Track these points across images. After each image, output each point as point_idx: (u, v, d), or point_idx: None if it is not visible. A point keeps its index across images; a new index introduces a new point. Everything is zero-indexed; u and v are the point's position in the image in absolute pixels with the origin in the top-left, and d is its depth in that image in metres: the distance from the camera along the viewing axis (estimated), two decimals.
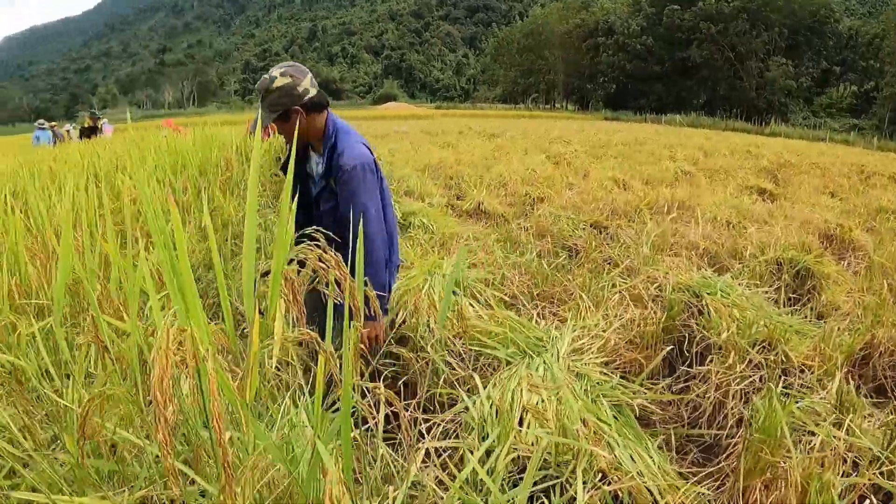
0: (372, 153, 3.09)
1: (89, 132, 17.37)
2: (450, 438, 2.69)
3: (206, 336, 1.43)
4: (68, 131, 21.94)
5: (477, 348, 3.41)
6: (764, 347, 3.55)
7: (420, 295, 4.04)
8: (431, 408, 3.06)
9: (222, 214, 5.23)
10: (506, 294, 4.75)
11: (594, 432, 2.58)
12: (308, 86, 2.94)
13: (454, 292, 4.24)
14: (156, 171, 5.23)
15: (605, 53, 73.82)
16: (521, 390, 2.78)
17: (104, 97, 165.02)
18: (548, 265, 5.48)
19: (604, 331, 3.61)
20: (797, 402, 2.90)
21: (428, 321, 3.74)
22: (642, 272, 4.81)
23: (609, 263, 5.73)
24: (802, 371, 3.46)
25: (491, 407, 2.69)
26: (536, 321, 4.02)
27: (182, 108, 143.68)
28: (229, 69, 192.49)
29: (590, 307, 4.15)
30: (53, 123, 21.59)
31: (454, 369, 3.31)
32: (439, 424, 2.72)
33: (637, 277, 4.73)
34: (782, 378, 3.36)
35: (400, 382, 3.49)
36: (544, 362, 3.11)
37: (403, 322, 3.92)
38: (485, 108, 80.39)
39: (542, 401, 2.72)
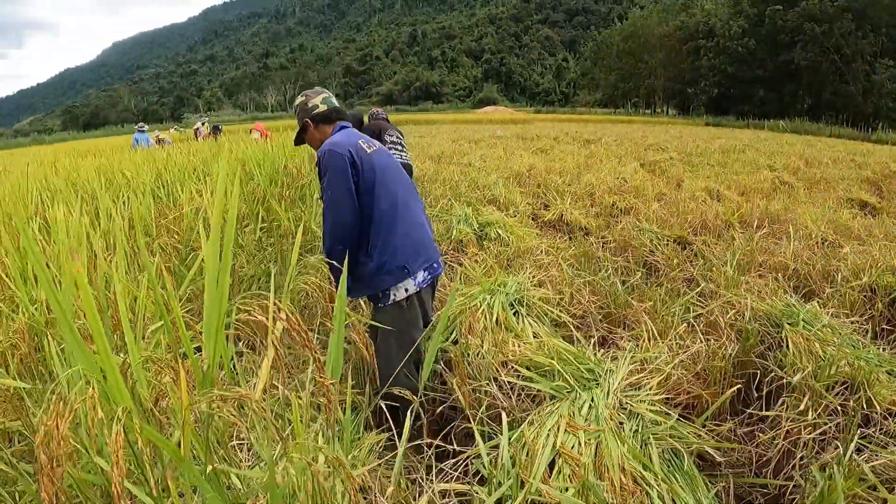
0: (358, 151, 3.38)
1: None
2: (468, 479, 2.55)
3: (120, 394, 1.34)
4: (197, 129, 22.71)
5: (519, 381, 3.23)
6: (845, 388, 3.22)
7: (476, 315, 3.90)
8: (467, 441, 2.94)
9: (279, 227, 5.40)
10: (574, 315, 4.55)
11: (635, 481, 2.39)
12: (318, 102, 3.72)
13: (516, 312, 4.11)
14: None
15: (705, 56, 71.18)
16: (559, 430, 2.61)
17: (209, 100, 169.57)
18: (622, 284, 5.19)
19: (667, 363, 3.31)
20: (869, 461, 2.62)
21: (481, 344, 3.61)
22: (721, 296, 4.50)
23: (691, 283, 5.43)
24: (887, 418, 3.09)
25: (511, 451, 2.53)
26: (597, 348, 3.77)
27: (284, 111, 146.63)
28: (330, 73, 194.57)
29: (654, 335, 3.84)
30: (153, 130, 22.33)
31: (497, 400, 3.17)
32: (459, 463, 2.59)
33: (715, 302, 4.42)
34: (862, 427, 3.03)
35: (445, 407, 3.42)
36: (592, 399, 2.91)
37: (456, 342, 3.82)
38: (584, 113, 79.41)
39: (580, 444, 2.54)
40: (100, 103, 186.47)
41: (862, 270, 5.20)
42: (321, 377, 1.79)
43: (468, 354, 3.61)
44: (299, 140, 3.87)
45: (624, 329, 4.51)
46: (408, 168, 7.89)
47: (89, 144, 30.60)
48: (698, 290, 4.94)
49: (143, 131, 19.27)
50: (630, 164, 14.63)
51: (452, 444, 2.58)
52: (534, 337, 3.78)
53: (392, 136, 7.90)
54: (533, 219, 8.74)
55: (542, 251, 6.25)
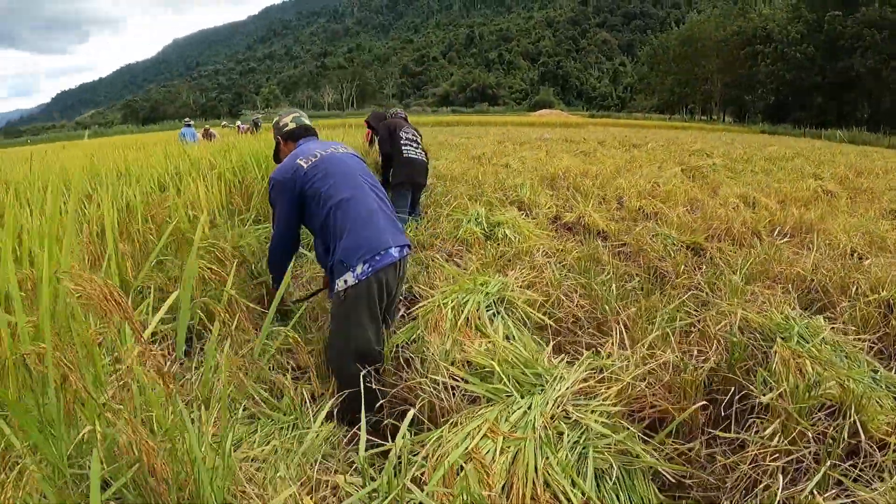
0: (296, 169, 3.69)
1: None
2: None
3: None
4: (238, 125, 23.01)
5: (457, 382, 3.03)
6: (833, 412, 2.87)
7: (444, 313, 3.71)
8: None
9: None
10: (559, 319, 4.29)
11: (555, 496, 2.16)
12: (288, 121, 4.20)
13: (496, 313, 3.89)
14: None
15: (763, 62, 69.26)
16: (478, 434, 2.42)
17: (267, 97, 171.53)
18: (617, 289, 4.87)
19: (627, 372, 3.01)
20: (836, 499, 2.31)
21: (442, 343, 3.39)
22: (716, 305, 4.17)
23: (696, 290, 5.13)
24: (881, 448, 2.70)
25: (424, 451, 2.43)
26: (563, 354, 3.48)
27: (341, 110, 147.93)
28: (387, 73, 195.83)
29: (624, 343, 3.53)
30: (206, 125, 22.90)
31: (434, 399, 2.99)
32: None
33: (708, 311, 4.10)
34: (847, 459, 2.67)
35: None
36: (530, 405, 2.66)
37: (414, 341, 3.70)
38: (639, 119, 78.54)
39: (496, 451, 2.32)
40: (159, 98, 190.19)
41: (882, 285, 4.77)
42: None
43: (422, 352, 3.44)
44: (276, 157, 4.33)
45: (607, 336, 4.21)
46: (423, 164, 8.04)
47: (142, 138, 31.19)
48: (690, 297, 4.65)
49: (189, 125, 19.89)
50: (670, 168, 14.25)
51: (388, 440, 2.39)
52: (506, 339, 3.54)
53: (407, 133, 7.88)
54: (554, 220, 8.47)
55: (542, 252, 5.97)
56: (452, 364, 3.14)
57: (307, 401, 3.07)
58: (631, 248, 6.90)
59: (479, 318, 3.76)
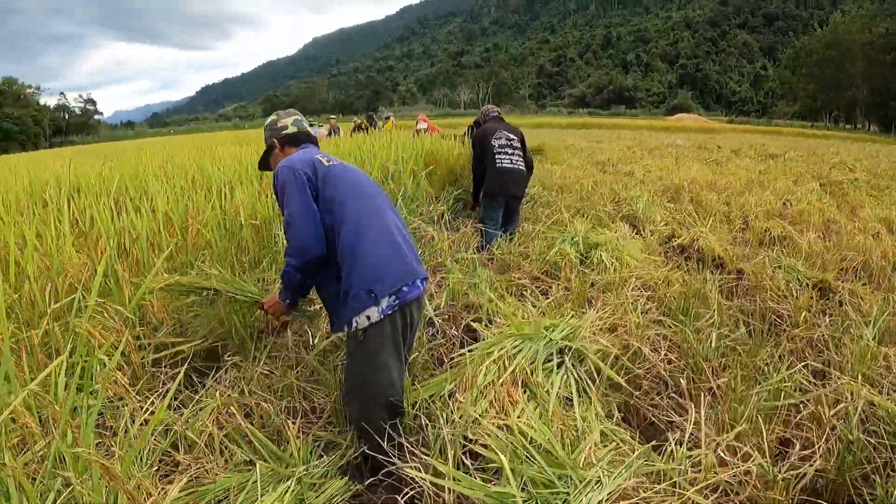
0: (316, 165, 3.20)
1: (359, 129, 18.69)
2: None
3: None
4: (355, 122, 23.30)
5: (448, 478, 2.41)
6: None
7: (484, 366, 3.14)
8: None
9: None
10: (637, 377, 3.62)
11: None
12: (288, 123, 3.62)
13: (560, 365, 3.26)
14: None
15: None
16: None
17: (404, 95, 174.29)
18: (718, 339, 4.06)
19: (691, 482, 2.28)
20: None
21: (472, 404, 2.87)
22: (835, 377, 3.31)
23: (817, 347, 4.25)
24: None
25: None
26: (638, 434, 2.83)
27: (477, 108, 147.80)
28: (523, 73, 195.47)
29: (706, 422, 2.72)
30: (332, 118, 23.25)
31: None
32: None
33: (827, 383, 3.26)
34: None
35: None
36: None
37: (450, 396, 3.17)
38: (779, 125, 75.00)
39: None
40: (299, 94, 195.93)
41: None
42: None
43: (442, 416, 2.88)
44: (263, 164, 3.75)
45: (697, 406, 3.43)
46: (520, 173, 7.27)
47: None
48: (806, 356, 3.81)
49: (312, 125, 19.96)
50: (807, 183, 12.99)
51: None
52: (566, 403, 2.97)
53: (500, 139, 7.10)
54: (667, 240, 7.63)
55: (639, 284, 5.20)
56: (469, 441, 2.63)
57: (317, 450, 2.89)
58: (748, 280, 5.99)
59: (532, 374, 3.13)
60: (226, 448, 2.96)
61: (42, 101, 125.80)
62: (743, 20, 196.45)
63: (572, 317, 3.84)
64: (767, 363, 3.78)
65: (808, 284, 5.71)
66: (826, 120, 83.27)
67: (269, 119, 3.70)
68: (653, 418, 3.29)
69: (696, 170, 14.51)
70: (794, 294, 5.38)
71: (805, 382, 3.40)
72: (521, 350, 3.30)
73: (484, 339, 3.67)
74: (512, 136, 7.24)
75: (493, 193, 7.18)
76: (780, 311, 5.09)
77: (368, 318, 2.95)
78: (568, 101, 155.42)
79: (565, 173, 12.76)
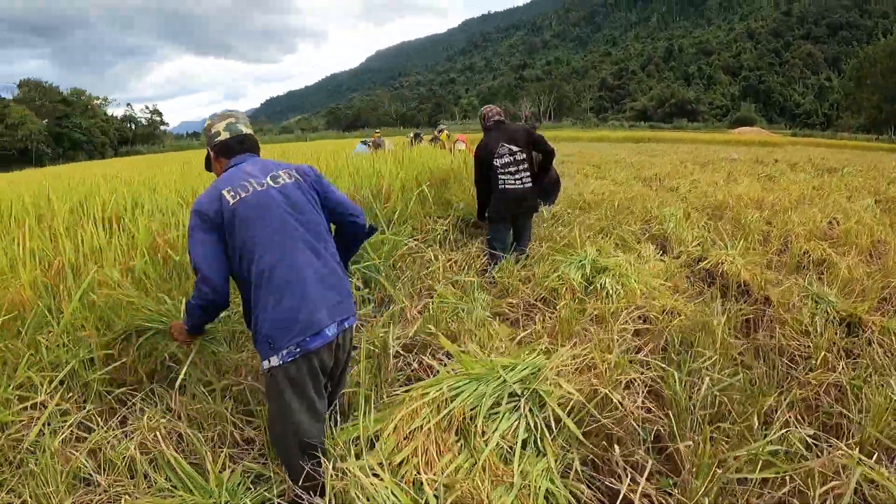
0: (222, 204, 2.90)
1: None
2: None
3: None
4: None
5: None
6: None
7: (417, 411, 2.83)
8: None
9: None
10: (605, 428, 3.11)
11: None
12: (220, 129, 3.19)
13: (516, 408, 2.91)
14: None
15: None
16: None
17: (465, 108, 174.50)
18: (711, 386, 3.47)
19: None
20: None
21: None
22: (833, 447, 2.76)
23: (826, 399, 3.70)
24: None
25: None
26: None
27: (537, 122, 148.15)
28: (585, 86, 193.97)
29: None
30: (377, 132, 23.38)
31: None
32: None
33: (822, 451, 2.73)
34: None
35: None
36: None
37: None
38: (843, 138, 72.81)
39: None
40: (362, 106, 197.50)
41: None
42: None
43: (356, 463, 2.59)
44: (208, 167, 3.44)
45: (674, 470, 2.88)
46: (524, 192, 6.60)
47: (334, 144, 32.15)
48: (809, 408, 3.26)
49: (365, 143, 20.16)
50: (862, 199, 12.22)
51: None
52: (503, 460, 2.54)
53: (502, 156, 6.48)
54: (696, 262, 7.09)
55: (637, 315, 4.72)
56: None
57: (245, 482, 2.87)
58: (773, 311, 5.40)
59: (473, 420, 2.73)
60: (146, 476, 2.89)
61: (110, 112, 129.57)
62: (806, 31, 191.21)
63: (539, 354, 3.41)
64: (768, 415, 3.28)
65: (835, 318, 5.08)
66: (891, 132, 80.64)
67: (206, 125, 3.34)
68: (607, 483, 2.82)
69: (745, 185, 13.82)
70: (818, 330, 4.77)
71: (801, 446, 2.86)
72: (460, 392, 2.94)
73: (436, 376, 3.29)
74: (515, 146, 6.58)
75: (499, 217, 6.69)
76: (796, 351, 4.53)
77: (270, 362, 2.83)
78: (629, 115, 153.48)
79: (602, 188, 12.28)
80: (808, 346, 4.50)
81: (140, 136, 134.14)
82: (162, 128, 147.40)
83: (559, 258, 6.12)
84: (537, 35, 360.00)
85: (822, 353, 4.24)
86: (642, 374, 3.62)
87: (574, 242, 6.84)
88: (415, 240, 6.59)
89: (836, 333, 4.69)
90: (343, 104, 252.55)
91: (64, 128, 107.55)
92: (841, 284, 6.05)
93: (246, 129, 3.28)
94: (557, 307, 4.99)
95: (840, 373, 3.91)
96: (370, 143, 20.43)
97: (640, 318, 4.73)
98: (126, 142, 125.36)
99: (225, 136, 3.20)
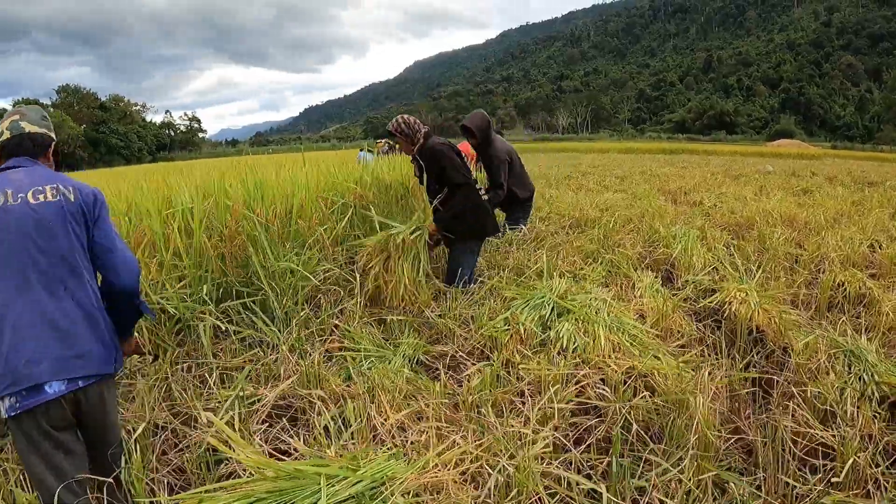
0: None
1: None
2: None
3: None
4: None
5: None
6: None
7: None
8: None
9: None
10: None
11: None
12: (4, 128, 2.74)
13: None
14: None
15: None
16: None
17: (503, 118, 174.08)
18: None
19: None
20: None
21: None
22: None
23: None
24: None
25: None
26: None
27: (575, 133, 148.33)
28: (623, 97, 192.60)
29: None
30: (382, 141, 22.67)
31: None
32: None
33: None
34: None
35: None
36: None
37: None
38: (885, 151, 70.71)
39: None
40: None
41: None
42: None
43: None
44: None
45: None
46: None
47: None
48: None
49: (368, 150, 19.60)
50: None
51: None
52: None
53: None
54: (704, 296, 5.75)
55: (581, 385, 3.40)
56: None
57: None
58: (791, 372, 4.00)
59: None
60: None
61: (148, 119, 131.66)
62: (847, 41, 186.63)
63: (394, 456, 2.19)
64: None
65: (873, 392, 3.55)
66: None
67: None
68: None
69: (777, 200, 12.30)
70: (848, 413, 3.28)
71: None
72: None
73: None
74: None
75: (470, 237, 5.53)
76: (823, 445, 3.08)
77: (3, 411, 2.50)
78: (667, 127, 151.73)
79: (611, 202, 10.95)
80: (833, 440, 3.05)
81: (178, 142, 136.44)
82: (200, 135, 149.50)
83: (512, 294, 4.80)
84: (575, 46, 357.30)
85: (852, 458, 2.81)
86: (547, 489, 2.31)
87: (550, 271, 5.53)
88: (345, 267, 5.34)
89: (873, 420, 3.26)
90: (381, 114, 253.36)
91: (101, 133, 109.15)
92: (884, 334, 4.70)
93: (31, 128, 2.76)
94: (495, 361, 3.73)
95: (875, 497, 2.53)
96: (378, 151, 19.49)
97: (600, 383, 3.43)
98: (164, 148, 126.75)
99: (6, 136, 2.74)
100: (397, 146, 5.88)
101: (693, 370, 3.71)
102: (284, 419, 3.45)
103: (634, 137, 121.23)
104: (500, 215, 7.70)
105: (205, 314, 4.31)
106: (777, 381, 3.84)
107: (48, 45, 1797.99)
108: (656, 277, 6.12)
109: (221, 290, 4.80)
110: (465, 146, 8.87)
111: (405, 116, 5.60)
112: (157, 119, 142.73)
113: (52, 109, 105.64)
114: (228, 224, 4.85)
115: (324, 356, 4.10)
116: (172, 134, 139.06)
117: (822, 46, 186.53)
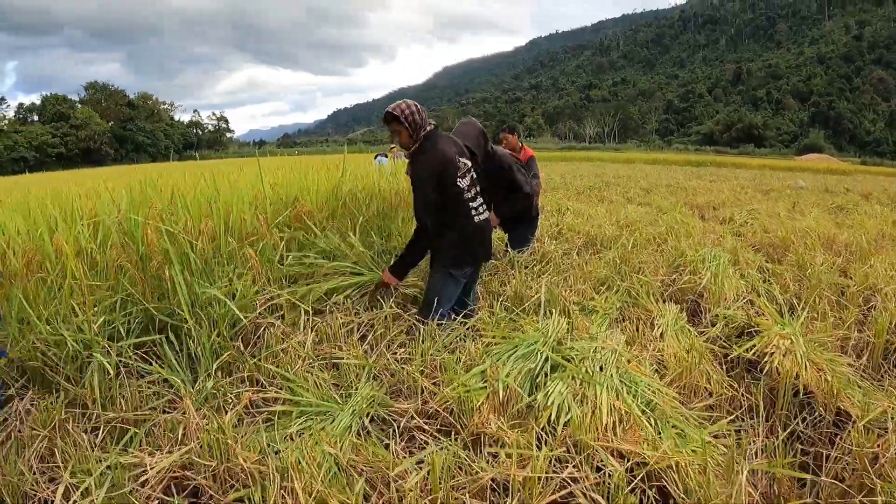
0: None
1: None
2: None
3: None
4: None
5: None
6: None
7: None
8: None
9: None
10: None
11: None
12: None
13: None
14: None
15: None
16: None
17: (530, 126, 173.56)
18: None
19: None
20: None
21: None
22: None
23: None
24: None
25: None
26: None
27: (602, 143, 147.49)
28: (651, 108, 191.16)
29: None
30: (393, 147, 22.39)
31: None
32: None
33: None
34: None
35: None
36: None
37: None
38: None
39: None
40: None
41: None
42: None
43: None
44: None
45: None
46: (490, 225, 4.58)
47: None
48: None
49: (384, 155, 19.12)
50: None
51: None
52: None
53: (462, 174, 4.48)
54: (738, 336, 4.79)
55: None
56: None
57: None
58: (849, 456, 2.98)
59: None
60: None
61: (176, 117, 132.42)
62: (878, 55, 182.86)
63: None
64: None
65: None
66: None
67: None
68: None
69: (813, 218, 11.21)
70: None
71: None
72: None
73: None
74: (468, 160, 4.52)
75: (459, 262, 4.53)
76: None
77: None
78: (695, 138, 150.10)
79: (632, 217, 9.97)
80: None
81: (206, 141, 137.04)
82: (228, 135, 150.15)
83: (500, 336, 3.81)
84: (604, 55, 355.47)
85: None
86: None
87: (552, 304, 4.55)
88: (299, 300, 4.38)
89: None
90: None
91: (128, 130, 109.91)
92: None
93: None
94: (465, 428, 2.81)
95: None
96: (392, 156, 18.88)
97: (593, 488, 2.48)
98: (190, 146, 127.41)
99: None
100: (395, 143, 4.47)
101: (723, 449, 2.76)
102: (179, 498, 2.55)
103: (662, 149, 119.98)
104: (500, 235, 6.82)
105: (103, 351, 3.40)
106: (827, 459, 2.88)
107: (80, 42, 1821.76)
108: (681, 311, 5.12)
109: (139, 321, 3.90)
110: None
111: (416, 104, 4.41)
112: (185, 118, 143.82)
113: (79, 106, 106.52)
114: (149, 241, 3.92)
115: (245, 412, 3.21)
116: (200, 133, 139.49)
117: (853, 60, 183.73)
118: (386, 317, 4.33)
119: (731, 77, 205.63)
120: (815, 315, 5.18)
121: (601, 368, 3.33)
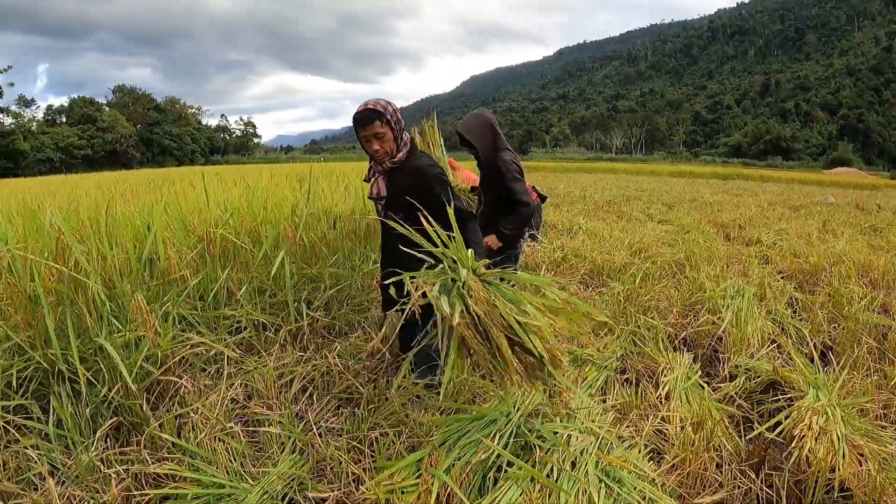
0: None
1: None
2: None
3: None
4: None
5: None
6: None
7: None
8: None
9: None
10: None
11: None
12: None
13: None
14: None
15: None
16: None
17: (557, 136, 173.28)
18: None
19: None
20: None
21: None
22: None
23: None
24: None
25: None
26: None
27: (629, 154, 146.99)
28: (678, 119, 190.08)
29: None
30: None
31: None
32: None
33: None
34: None
35: None
36: None
37: None
38: None
39: None
40: (454, 130, 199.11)
41: None
42: None
43: None
44: None
45: None
46: None
47: None
48: None
49: None
50: None
51: None
52: None
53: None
54: (762, 391, 4.04)
55: None
56: None
57: None
58: None
59: None
60: None
61: (204, 122, 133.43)
62: None
63: None
64: None
65: None
66: None
67: None
68: None
69: (846, 240, 10.18)
70: None
71: None
72: None
73: None
74: None
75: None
76: None
77: None
78: (722, 150, 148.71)
79: (649, 237, 9.19)
80: None
81: (233, 146, 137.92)
82: (255, 140, 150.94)
83: (477, 414, 3.02)
84: (632, 66, 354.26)
85: None
86: None
87: (531, 364, 3.81)
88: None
89: None
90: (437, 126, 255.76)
91: (154, 134, 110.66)
92: None
93: None
94: None
95: None
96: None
97: None
98: (217, 151, 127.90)
99: None
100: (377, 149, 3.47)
101: None
102: None
103: (689, 160, 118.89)
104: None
105: None
106: None
107: (113, 46, 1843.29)
108: (694, 362, 4.37)
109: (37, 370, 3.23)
110: (466, 174, 7.10)
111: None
112: (213, 122, 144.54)
113: (106, 108, 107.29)
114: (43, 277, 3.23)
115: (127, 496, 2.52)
116: (227, 138, 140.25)
117: (883, 73, 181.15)
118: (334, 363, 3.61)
119: (760, 88, 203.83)
120: (853, 364, 4.39)
121: (573, 464, 2.57)
